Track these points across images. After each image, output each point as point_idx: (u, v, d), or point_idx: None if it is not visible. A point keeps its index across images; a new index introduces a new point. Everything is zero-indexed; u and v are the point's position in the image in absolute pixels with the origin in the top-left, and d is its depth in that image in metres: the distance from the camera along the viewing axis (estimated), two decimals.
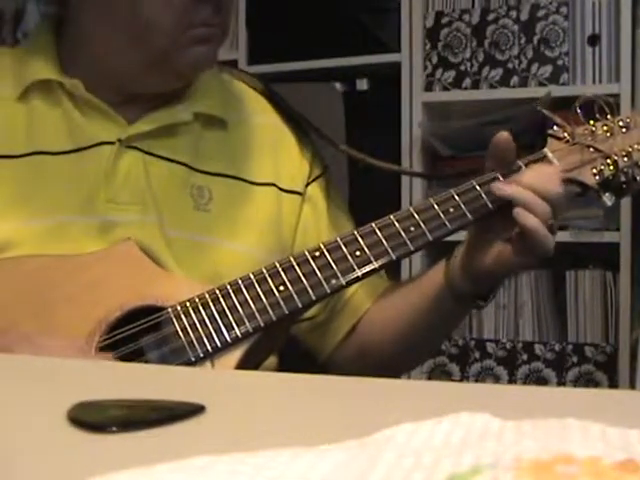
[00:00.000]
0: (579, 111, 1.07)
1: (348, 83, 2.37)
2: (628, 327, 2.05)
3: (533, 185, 0.99)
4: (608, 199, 1.07)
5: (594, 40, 2.13)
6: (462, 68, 2.25)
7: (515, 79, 2.19)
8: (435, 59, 2.27)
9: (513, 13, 2.20)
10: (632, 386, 1.94)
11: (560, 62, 2.15)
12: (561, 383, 2.15)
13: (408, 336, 1.14)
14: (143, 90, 1.10)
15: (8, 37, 2.53)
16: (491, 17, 2.22)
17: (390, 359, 1.17)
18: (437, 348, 2.09)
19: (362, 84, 2.38)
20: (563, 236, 2.11)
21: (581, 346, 2.14)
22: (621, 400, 0.64)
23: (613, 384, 2.08)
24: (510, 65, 2.20)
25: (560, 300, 2.19)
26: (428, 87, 2.28)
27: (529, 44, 2.18)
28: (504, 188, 1.00)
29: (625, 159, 1.06)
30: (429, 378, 2.27)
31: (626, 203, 2.05)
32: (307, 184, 1.18)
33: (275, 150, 1.17)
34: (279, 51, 2.40)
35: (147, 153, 1.08)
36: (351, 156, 1.20)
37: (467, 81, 2.24)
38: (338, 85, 2.32)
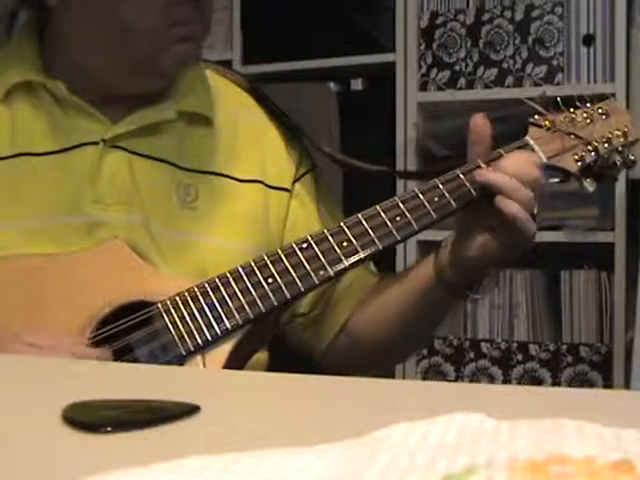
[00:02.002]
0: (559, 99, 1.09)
1: (343, 83, 2.37)
2: (623, 327, 2.05)
3: (515, 171, 0.99)
4: (589, 185, 1.09)
5: (589, 40, 2.13)
6: (457, 68, 2.25)
7: (510, 79, 2.19)
8: (430, 59, 2.27)
9: (508, 13, 2.20)
10: (627, 386, 1.94)
11: (555, 62, 2.15)
12: (556, 383, 2.15)
13: (397, 329, 1.15)
14: (127, 90, 1.10)
15: (3, 37, 2.52)
16: (486, 17, 2.22)
17: (383, 351, 1.19)
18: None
19: (357, 84, 2.38)
20: (557, 236, 2.12)
21: (576, 346, 2.15)
22: (616, 400, 0.64)
23: (608, 384, 2.08)
24: (505, 65, 2.20)
25: (555, 300, 2.19)
26: (423, 87, 2.28)
27: (524, 44, 2.18)
28: (487, 174, 1.01)
29: (605, 145, 1.08)
30: (424, 378, 2.27)
31: (620, 203, 2.05)
32: (294, 181, 1.18)
33: (261, 147, 1.17)
34: (273, 51, 2.40)
35: (132, 152, 1.08)
36: (332, 158, 1.20)
37: (462, 81, 2.24)
38: (332, 85, 2.32)
